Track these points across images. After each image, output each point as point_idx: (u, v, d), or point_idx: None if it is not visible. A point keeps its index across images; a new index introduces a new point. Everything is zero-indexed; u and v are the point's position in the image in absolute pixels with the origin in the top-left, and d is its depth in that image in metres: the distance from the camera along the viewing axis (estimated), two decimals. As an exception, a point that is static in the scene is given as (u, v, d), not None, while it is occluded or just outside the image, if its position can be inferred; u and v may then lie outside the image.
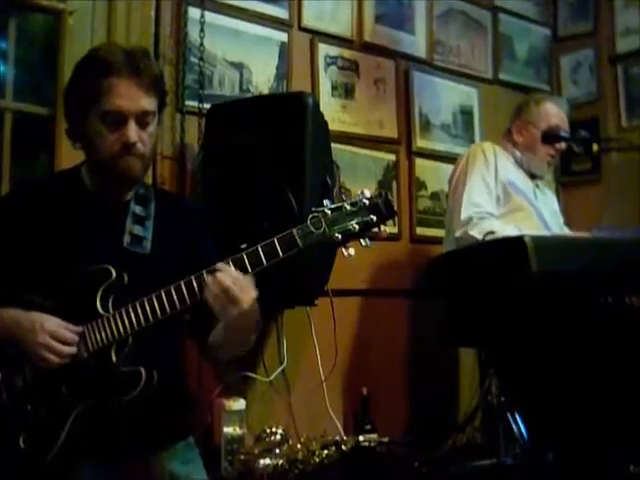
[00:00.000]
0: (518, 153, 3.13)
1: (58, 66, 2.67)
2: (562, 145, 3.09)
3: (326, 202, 1.63)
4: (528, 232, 2.77)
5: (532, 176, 3.16)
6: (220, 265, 1.61)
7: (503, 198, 2.99)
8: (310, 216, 1.60)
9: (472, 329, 2.78)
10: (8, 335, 1.66)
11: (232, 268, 1.61)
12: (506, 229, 2.77)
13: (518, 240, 2.38)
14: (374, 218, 1.60)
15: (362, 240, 1.62)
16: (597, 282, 2.39)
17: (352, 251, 1.63)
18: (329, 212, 1.60)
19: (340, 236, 1.59)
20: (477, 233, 2.79)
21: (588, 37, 4.26)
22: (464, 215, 2.87)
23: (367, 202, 1.61)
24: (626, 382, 2.41)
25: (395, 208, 1.65)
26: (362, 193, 1.62)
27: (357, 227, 1.59)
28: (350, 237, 1.60)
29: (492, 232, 2.70)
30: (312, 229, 1.59)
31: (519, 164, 3.14)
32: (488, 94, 4.04)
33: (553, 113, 3.11)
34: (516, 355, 2.66)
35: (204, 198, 2.74)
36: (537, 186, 3.19)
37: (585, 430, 2.50)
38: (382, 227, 1.63)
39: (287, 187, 2.46)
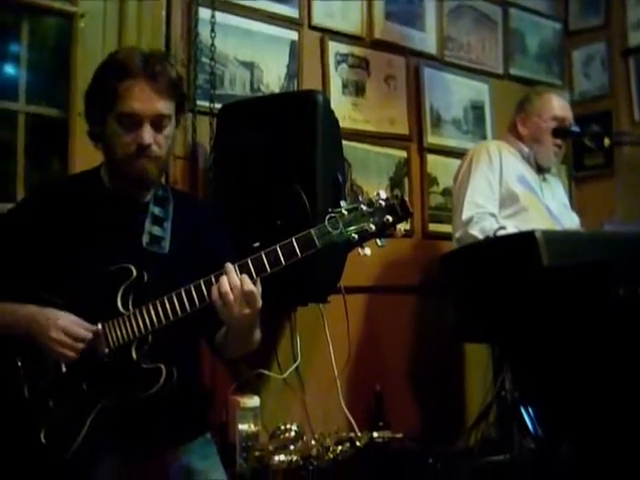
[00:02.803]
0: (525, 147, 3.13)
1: (70, 68, 2.69)
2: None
3: (343, 203, 1.65)
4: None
5: (539, 170, 3.16)
6: (228, 267, 1.65)
7: (508, 198, 2.98)
8: (327, 216, 1.63)
9: (485, 324, 2.77)
10: (25, 331, 1.70)
11: (236, 272, 1.64)
12: (507, 229, 2.77)
13: (529, 235, 2.38)
14: (390, 219, 1.64)
15: (378, 240, 1.66)
16: (608, 275, 2.38)
17: (368, 251, 1.66)
18: (346, 213, 1.63)
19: (357, 236, 1.63)
20: (477, 232, 2.80)
21: (600, 31, 4.23)
22: (465, 215, 2.88)
23: (383, 203, 1.64)
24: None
25: (411, 209, 1.68)
26: (378, 194, 1.65)
27: (373, 228, 1.63)
28: (366, 237, 1.64)
29: (503, 227, 2.70)
30: (330, 229, 1.62)
31: (526, 159, 3.13)
32: (499, 89, 4.02)
33: (556, 103, 3.11)
34: (530, 350, 2.66)
35: (216, 197, 2.76)
36: (544, 179, 3.18)
37: (599, 424, 2.49)
38: (398, 227, 1.66)
39: (299, 185, 2.47)
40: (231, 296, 1.63)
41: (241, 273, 1.65)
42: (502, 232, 2.68)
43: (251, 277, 1.65)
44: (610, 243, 2.50)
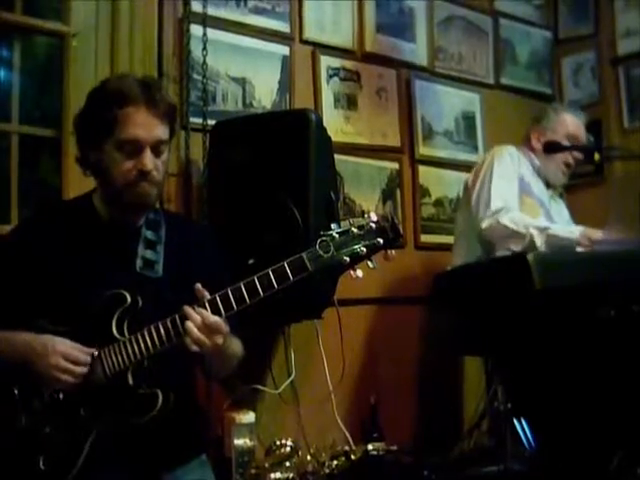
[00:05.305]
0: (537, 161, 3.14)
1: (63, 87, 2.70)
2: (579, 154, 3.13)
3: (334, 225, 1.67)
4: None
5: (548, 185, 3.18)
6: (186, 309, 1.66)
7: (520, 202, 2.98)
8: (319, 240, 1.64)
9: (479, 339, 2.79)
10: (21, 358, 1.70)
11: (196, 309, 1.66)
12: (535, 221, 2.80)
13: (521, 258, 2.40)
14: (381, 241, 1.65)
15: (369, 262, 1.67)
16: (601, 295, 2.40)
17: (360, 273, 1.67)
18: (337, 236, 1.65)
19: (348, 259, 1.64)
20: (508, 221, 2.77)
21: (589, 39, 4.25)
22: (495, 205, 2.85)
23: (374, 225, 1.65)
24: (629, 387, 2.43)
25: (401, 231, 1.69)
26: (369, 216, 1.66)
27: (365, 250, 1.64)
28: (358, 260, 1.65)
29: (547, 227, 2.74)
30: (321, 253, 1.64)
31: (537, 172, 3.15)
32: (490, 99, 4.04)
33: (572, 121, 3.14)
34: (522, 364, 2.68)
35: (209, 214, 2.77)
36: (552, 197, 3.21)
37: (591, 435, 2.51)
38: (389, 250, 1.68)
39: (291, 203, 2.49)
40: (200, 336, 1.65)
41: (234, 297, 1.66)
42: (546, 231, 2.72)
43: (244, 302, 1.66)
44: (602, 263, 2.51)
